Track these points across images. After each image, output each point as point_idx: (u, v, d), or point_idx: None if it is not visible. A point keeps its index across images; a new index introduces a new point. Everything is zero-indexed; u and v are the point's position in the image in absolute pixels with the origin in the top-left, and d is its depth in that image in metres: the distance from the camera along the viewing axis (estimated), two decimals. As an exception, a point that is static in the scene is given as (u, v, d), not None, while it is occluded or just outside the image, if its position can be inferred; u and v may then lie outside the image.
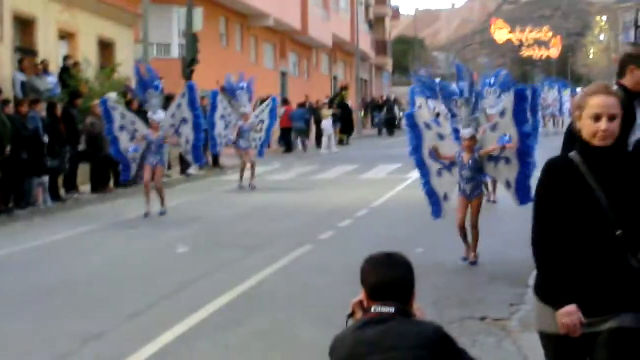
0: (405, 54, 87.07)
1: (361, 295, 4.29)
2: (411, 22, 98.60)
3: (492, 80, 19.05)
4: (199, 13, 31.36)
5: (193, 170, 26.45)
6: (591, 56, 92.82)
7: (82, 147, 21.31)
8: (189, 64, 29.25)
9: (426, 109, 14.83)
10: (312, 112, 41.03)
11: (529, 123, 12.63)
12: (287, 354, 8.36)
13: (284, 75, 51.12)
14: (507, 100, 12.73)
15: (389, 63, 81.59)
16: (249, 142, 23.34)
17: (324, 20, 55.87)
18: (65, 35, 27.29)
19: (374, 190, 17.60)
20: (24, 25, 24.86)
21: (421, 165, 12.98)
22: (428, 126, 12.85)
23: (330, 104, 43.22)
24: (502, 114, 12.56)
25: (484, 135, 12.62)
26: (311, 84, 54.95)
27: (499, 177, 12.93)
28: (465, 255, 12.30)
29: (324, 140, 40.05)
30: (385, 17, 79.85)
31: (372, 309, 4.13)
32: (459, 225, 12.36)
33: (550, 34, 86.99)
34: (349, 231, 15.93)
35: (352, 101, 51.56)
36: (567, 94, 48.42)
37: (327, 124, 40.09)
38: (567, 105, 47.14)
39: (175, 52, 36.56)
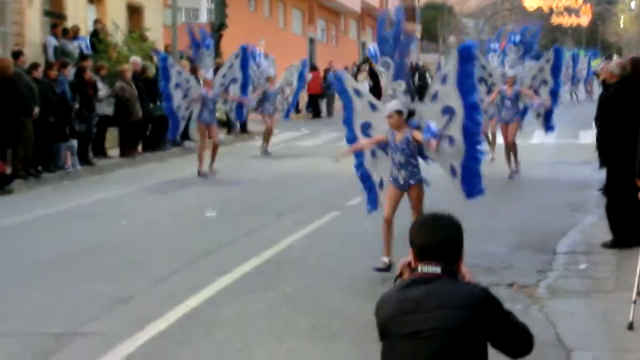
0: (434, 20, 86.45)
1: (409, 256, 4.32)
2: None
3: (517, 38, 18.63)
4: (227, -22, 31.28)
5: (221, 135, 26.42)
6: (622, 24, 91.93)
7: (110, 111, 21.33)
8: (217, 28, 29.21)
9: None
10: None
11: (476, 91, 9.96)
12: (313, 319, 8.37)
13: (312, 41, 50.95)
14: (452, 61, 9.95)
15: (417, 30, 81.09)
16: (274, 107, 23.27)
17: (352, -14, 55.57)
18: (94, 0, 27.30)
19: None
20: (52, -12, 24.93)
21: (353, 141, 10.70)
22: (358, 93, 10.62)
23: (358, 70, 42.96)
24: (444, 79, 9.88)
25: (424, 107, 10.19)
26: (339, 50, 54.77)
27: (442, 162, 10.08)
28: (380, 265, 9.97)
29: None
30: (414, -17, 79.27)
31: (419, 269, 4.17)
32: (385, 219, 10.09)
33: (580, 1, 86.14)
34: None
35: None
36: (597, 63, 47.89)
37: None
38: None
39: (204, 17, 36.54)
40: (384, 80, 10.36)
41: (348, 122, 10.67)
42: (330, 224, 13.33)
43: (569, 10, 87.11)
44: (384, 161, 10.38)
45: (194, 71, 21.08)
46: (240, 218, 13.82)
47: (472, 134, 9.72)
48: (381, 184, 10.52)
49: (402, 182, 10.06)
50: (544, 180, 16.86)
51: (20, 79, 17.29)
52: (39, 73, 18.38)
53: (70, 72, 19.98)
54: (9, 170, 17.02)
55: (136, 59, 23.30)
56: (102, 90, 21.44)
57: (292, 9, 47.96)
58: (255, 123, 27.95)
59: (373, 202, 10.75)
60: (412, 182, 10.05)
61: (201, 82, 18.95)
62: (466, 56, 9.67)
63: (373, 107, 10.45)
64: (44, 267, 10.60)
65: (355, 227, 12.89)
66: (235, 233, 12.50)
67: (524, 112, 18.48)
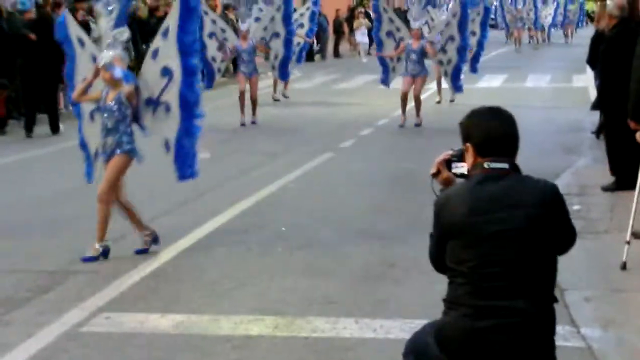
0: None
1: (444, 154, 4.21)
2: None
3: None
4: None
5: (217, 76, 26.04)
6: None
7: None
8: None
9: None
10: (337, 22, 40.58)
11: (197, 52, 8.61)
12: (307, 257, 8.38)
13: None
14: (174, 10, 8.55)
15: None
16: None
17: None
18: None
19: (396, 100, 17.52)
20: None
21: (74, 103, 9.18)
22: (82, 43, 8.99)
23: (352, 14, 42.56)
24: (165, 33, 8.47)
25: (145, 66, 8.75)
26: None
27: (158, 133, 8.64)
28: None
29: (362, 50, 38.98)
30: None
31: (485, 165, 4.00)
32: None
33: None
34: (369, 139, 15.89)
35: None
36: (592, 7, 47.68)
37: (360, 34, 39.17)
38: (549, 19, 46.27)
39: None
40: (103, 26, 8.60)
41: (69, 76, 9.17)
42: (325, 165, 13.30)
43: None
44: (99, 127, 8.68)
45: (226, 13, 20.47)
46: (233, 160, 13.78)
47: (188, 104, 8.38)
48: (97, 155, 8.87)
49: (108, 151, 8.44)
50: (538, 123, 16.79)
51: (14, 19, 17.17)
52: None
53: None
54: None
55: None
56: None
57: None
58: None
59: (90, 172, 9.04)
60: (117, 151, 8.42)
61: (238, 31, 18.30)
62: (187, 6, 8.30)
63: (95, 60, 8.65)
64: (39, 205, 10.58)
65: (349, 167, 12.88)
66: (228, 174, 12.46)
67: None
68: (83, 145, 9.07)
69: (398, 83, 18.19)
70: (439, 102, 20.75)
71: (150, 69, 8.56)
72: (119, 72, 8.27)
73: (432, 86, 21.83)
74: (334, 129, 17.07)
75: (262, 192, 11.21)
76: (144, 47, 22.50)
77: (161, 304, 7.12)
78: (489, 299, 3.87)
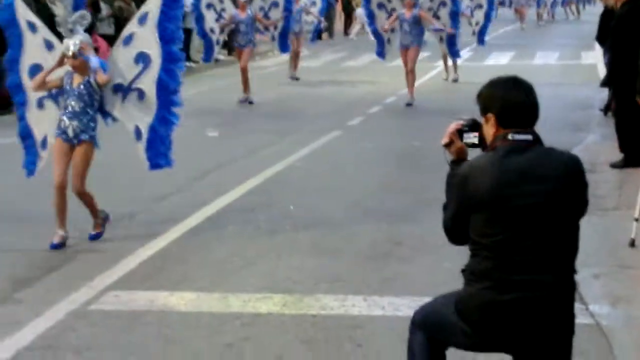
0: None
1: (455, 124, 4.18)
2: None
3: None
4: None
5: (221, 55, 26.06)
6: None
7: (112, 31, 21.11)
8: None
9: None
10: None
11: (179, 39, 8.36)
12: (315, 235, 8.38)
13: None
14: None
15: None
16: (300, 26, 21.64)
17: None
18: None
19: (403, 78, 17.47)
20: None
21: (16, 87, 8.63)
22: (32, 27, 8.49)
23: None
24: (143, 19, 8.27)
25: (115, 51, 8.48)
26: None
27: (126, 120, 8.42)
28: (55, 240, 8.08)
29: (357, 27, 39.05)
30: None
31: (509, 137, 3.93)
32: (56, 185, 8.14)
33: None
34: (377, 117, 15.87)
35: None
36: None
37: (360, 12, 39.05)
38: None
39: None
40: (60, 11, 8.28)
41: (12, 62, 8.57)
42: (332, 143, 13.28)
43: None
44: (53, 114, 8.41)
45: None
46: (240, 138, 13.76)
47: (167, 91, 8.21)
48: (44, 144, 8.56)
49: (71, 134, 8.13)
50: (547, 100, 16.65)
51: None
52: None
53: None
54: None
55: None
56: (104, 10, 21.24)
57: None
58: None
59: (31, 165, 8.72)
60: (83, 137, 8.15)
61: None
62: None
63: (49, 46, 8.42)
64: (48, 185, 10.57)
65: (357, 146, 12.87)
66: (236, 153, 12.46)
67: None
68: (25, 135, 8.64)
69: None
70: (446, 79, 20.71)
71: (120, 55, 8.32)
72: (95, 61, 8.08)
73: (439, 63, 21.80)
74: (342, 107, 17.03)
75: (270, 171, 11.20)
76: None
77: (170, 283, 7.13)
78: (514, 273, 3.86)
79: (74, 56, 8.00)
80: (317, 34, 23.95)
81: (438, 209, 4.24)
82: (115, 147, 10.46)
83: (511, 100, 3.96)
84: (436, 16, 17.97)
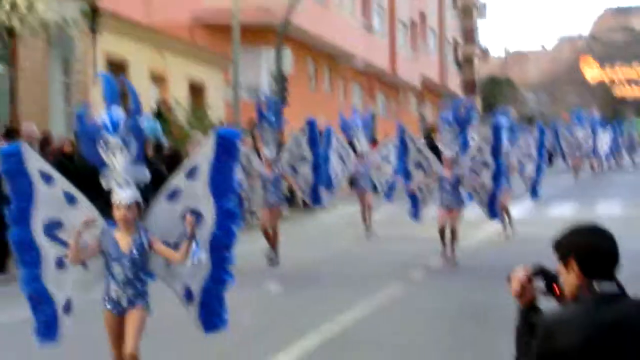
0: (494, 93, 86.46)
1: (524, 269, 4.01)
2: (499, 62, 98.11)
3: (450, 116, 16.67)
4: (287, 54, 31.56)
5: (285, 210, 25.83)
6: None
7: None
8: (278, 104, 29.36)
9: None
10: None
11: (235, 193, 7.81)
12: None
13: (372, 116, 51.12)
14: (205, 149, 7.71)
15: (478, 102, 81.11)
16: (370, 182, 21.74)
17: (412, 61, 55.83)
18: (156, 78, 27.68)
19: (464, 230, 17.32)
20: (116, 68, 25.29)
21: (28, 243, 7.53)
22: (48, 179, 7.55)
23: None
24: (192, 173, 7.63)
25: (157, 206, 7.70)
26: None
27: (172, 283, 7.78)
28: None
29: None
30: (473, 57, 79.51)
31: (595, 287, 3.76)
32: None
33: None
34: (422, 288, 14.68)
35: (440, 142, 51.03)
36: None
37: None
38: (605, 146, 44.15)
39: (265, 93, 36.85)
40: (120, 162, 7.49)
41: (19, 214, 7.52)
42: (396, 299, 13.13)
43: (630, 82, 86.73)
44: (76, 274, 7.56)
45: (256, 147, 19.82)
46: (298, 293, 13.66)
47: (221, 248, 7.61)
48: (68, 308, 7.61)
49: (125, 304, 7.39)
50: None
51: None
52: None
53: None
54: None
55: (197, 133, 23.28)
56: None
57: (352, 84, 48.21)
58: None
59: (51, 333, 7.62)
60: (138, 302, 7.44)
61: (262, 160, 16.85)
62: (226, 146, 7.56)
63: (71, 200, 7.56)
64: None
65: (420, 302, 12.70)
66: (294, 308, 12.35)
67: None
68: (44, 298, 7.56)
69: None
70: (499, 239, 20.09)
71: (164, 210, 7.61)
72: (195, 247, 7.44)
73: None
74: (404, 258, 16.81)
75: (328, 326, 11.07)
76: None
77: None
78: None
79: (128, 208, 7.32)
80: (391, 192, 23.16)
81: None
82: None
83: (597, 248, 3.82)
84: (477, 176, 16.93)
